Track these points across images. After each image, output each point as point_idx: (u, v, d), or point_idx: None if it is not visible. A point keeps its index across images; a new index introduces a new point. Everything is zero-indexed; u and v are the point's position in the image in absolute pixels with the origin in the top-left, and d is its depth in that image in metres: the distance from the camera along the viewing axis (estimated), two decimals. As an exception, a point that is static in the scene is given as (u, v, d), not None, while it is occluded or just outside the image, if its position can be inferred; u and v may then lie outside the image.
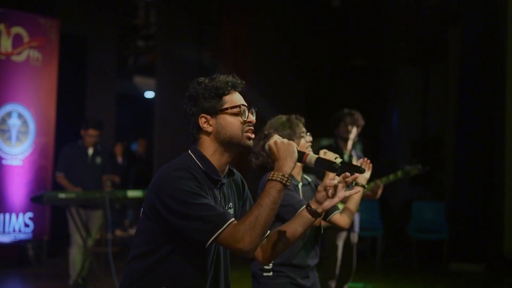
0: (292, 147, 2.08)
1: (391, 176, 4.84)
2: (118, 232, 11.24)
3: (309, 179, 3.33)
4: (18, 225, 7.73)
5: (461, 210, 8.56)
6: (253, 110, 2.19)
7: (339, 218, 3.22)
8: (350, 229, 5.23)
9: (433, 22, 10.76)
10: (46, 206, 7.68)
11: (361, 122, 5.41)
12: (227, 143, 2.13)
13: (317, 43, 11.69)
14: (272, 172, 2.04)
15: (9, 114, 7.77)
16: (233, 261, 2.30)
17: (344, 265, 5.24)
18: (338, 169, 2.19)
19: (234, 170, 2.28)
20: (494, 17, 8.63)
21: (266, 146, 2.13)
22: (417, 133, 11.28)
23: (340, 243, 5.18)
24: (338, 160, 2.96)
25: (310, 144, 3.25)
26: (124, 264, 2.19)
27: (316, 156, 2.20)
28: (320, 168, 2.22)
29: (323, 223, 3.23)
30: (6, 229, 7.59)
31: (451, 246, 8.61)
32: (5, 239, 7.56)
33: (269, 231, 2.24)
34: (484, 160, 8.49)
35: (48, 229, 8.11)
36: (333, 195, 2.16)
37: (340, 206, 3.22)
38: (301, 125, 3.25)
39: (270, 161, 2.14)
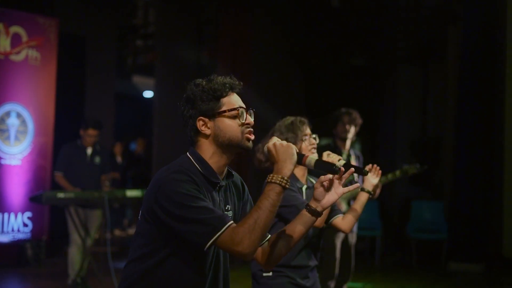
0: (291, 149, 2.06)
1: (390, 176, 4.84)
2: (117, 232, 11.24)
3: (314, 182, 3.32)
4: (16, 225, 7.72)
5: (460, 210, 8.56)
6: (251, 111, 2.17)
7: (340, 222, 3.20)
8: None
9: (432, 22, 10.76)
10: (45, 205, 7.67)
11: (359, 121, 5.40)
12: (226, 146, 2.11)
13: (317, 43, 11.69)
14: (271, 175, 2.02)
15: (7, 114, 7.76)
16: (232, 261, 2.30)
17: (342, 265, 5.24)
18: (338, 171, 2.17)
19: (233, 172, 2.27)
20: (493, 17, 8.63)
21: (265, 149, 2.11)
22: (416, 133, 11.28)
23: (339, 243, 5.17)
24: (342, 162, 2.97)
25: (313, 147, 3.22)
26: (123, 264, 2.18)
27: (316, 158, 2.19)
28: (320, 170, 2.21)
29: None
30: (5, 229, 7.59)
31: (450, 246, 8.61)
32: (4, 238, 7.55)
33: (269, 235, 2.23)
34: (483, 160, 8.49)
35: (47, 228, 8.10)
36: (329, 188, 2.16)
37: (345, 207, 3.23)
38: (304, 128, 3.21)
39: (269, 164, 2.13)
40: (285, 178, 2.01)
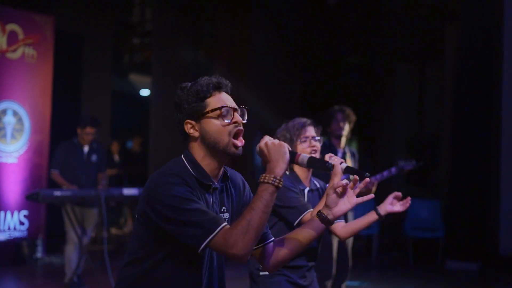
0: (283, 147, 2.02)
1: (385, 173, 4.84)
2: (114, 230, 11.22)
3: (318, 185, 3.29)
4: (13, 223, 7.70)
5: (457, 208, 8.57)
6: (244, 110, 2.13)
7: (340, 229, 3.10)
8: None
9: (430, 20, 10.76)
10: (41, 204, 7.66)
11: (353, 117, 5.37)
12: (213, 148, 2.08)
13: (313, 41, 11.69)
14: (263, 175, 1.99)
15: (4, 112, 7.74)
16: (230, 260, 2.28)
17: (340, 264, 5.23)
18: (331, 168, 2.15)
19: (233, 172, 2.25)
20: (491, 15, 8.63)
21: (257, 148, 2.08)
22: (413, 131, 11.29)
23: (335, 243, 5.15)
24: (344, 165, 2.96)
25: (314, 149, 3.15)
26: (120, 262, 2.18)
27: (309, 155, 2.16)
28: (313, 168, 2.19)
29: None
30: (1, 227, 7.57)
31: (446, 244, 8.62)
32: (0, 237, 7.53)
33: (273, 238, 2.19)
34: (480, 159, 8.49)
35: (43, 227, 8.09)
36: (342, 195, 2.10)
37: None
38: (304, 130, 3.15)
39: (262, 163, 2.09)
40: (278, 177, 1.97)
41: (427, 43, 11.07)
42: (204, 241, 1.91)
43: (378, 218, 3.00)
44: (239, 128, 2.10)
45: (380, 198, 3.14)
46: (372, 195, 2.14)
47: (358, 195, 2.15)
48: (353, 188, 2.11)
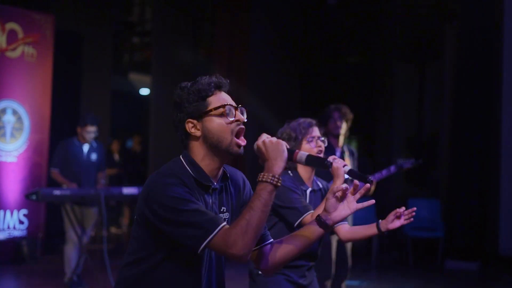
0: (281, 145, 2.01)
1: (384, 172, 4.83)
2: (113, 230, 11.22)
3: (321, 185, 3.27)
4: (12, 222, 7.70)
5: (456, 208, 8.56)
6: (243, 109, 2.12)
7: (344, 231, 3.04)
8: None
9: (429, 20, 10.76)
10: (41, 203, 7.65)
11: (350, 115, 5.33)
12: (215, 147, 2.07)
13: (313, 41, 11.68)
14: (262, 173, 1.98)
15: (3, 111, 7.73)
16: (229, 259, 2.27)
17: (339, 264, 5.21)
18: (330, 166, 2.15)
19: (233, 171, 2.24)
20: (490, 15, 8.63)
21: (255, 146, 2.06)
22: (412, 131, 11.28)
23: (334, 242, 5.13)
24: (347, 168, 2.95)
25: (320, 149, 3.13)
26: (119, 262, 2.17)
27: (307, 153, 2.15)
28: (311, 166, 2.18)
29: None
30: (1, 226, 7.57)
31: (446, 244, 8.62)
32: (0, 236, 7.53)
33: (272, 239, 2.18)
34: (479, 158, 8.49)
35: (43, 226, 8.09)
36: (342, 199, 2.05)
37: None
38: (310, 130, 3.14)
39: (260, 161, 2.07)
40: (276, 176, 1.95)
41: (426, 43, 11.06)
42: (204, 241, 1.90)
43: (378, 233, 2.93)
44: (241, 126, 2.09)
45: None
46: (372, 201, 2.10)
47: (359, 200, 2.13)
48: (353, 193, 2.07)
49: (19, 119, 7.86)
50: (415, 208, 2.87)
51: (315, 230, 2.07)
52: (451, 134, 8.94)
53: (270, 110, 9.52)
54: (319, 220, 2.06)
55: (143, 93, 14.88)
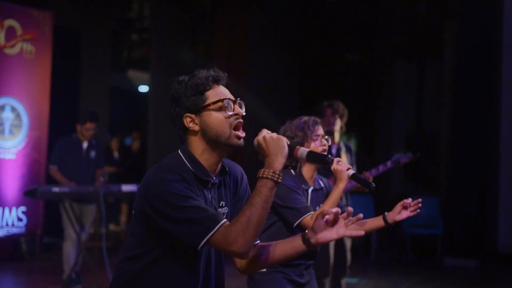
0: (281, 141, 1.98)
1: (381, 168, 4.81)
2: (112, 227, 11.22)
3: (322, 184, 3.26)
4: (11, 219, 7.69)
5: (455, 206, 8.56)
6: (241, 102, 2.10)
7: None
8: None
9: (429, 18, 10.75)
10: (40, 200, 7.64)
11: (343, 111, 5.22)
12: (214, 141, 2.05)
13: (312, 38, 11.67)
14: (262, 169, 1.96)
15: (2, 108, 7.72)
16: (227, 256, 2.27)
17: (338, 262, 5.19)
18: (331, 162, 2.13)
19: (232, 164, 2.22)
20: (490, 13, 8.62)
21: (255, 142, 2.04)
22: (412, 128, 11.28)
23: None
24: (350, 172, 2.94)
25: (324, 148, 3.12)
26: (118, 259, 2.16)
27: (308, 149, 2.13)
28: (311, 162, 2.17)
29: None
30: (-1, 223, 7.56)
31: (445, 242, 8.62)
32: (-2, 233, 7.53)
33: (259, 241, 2.16)
34: (479, 156, 8.49)
35: (42, 223, 8.08)
36: (333, 224, 1.97)
37: None
38: (316, 128, 3.13)
39: (260, 157, 2.06)
40: (277, 172, 1.93)
41: (426, 41, 11.06)
42: (204, 238, 1.89)
43: (385, 225, 2.96)
44: (239, 120, 2.08)
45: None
46: (362, 232, 2.01)
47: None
48: (346, 218, 2.00)
49: (18, 116, 7.85)
50: (420, 200, 2.92)
51: (299, 246, 2.03)
52: (450, 132, 8.94)
53: (270, 108, 9.51)
54: (303, 237, 2.01)
55: (142, 90, 14.87)
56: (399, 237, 9.36)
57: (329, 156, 2.14)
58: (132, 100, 14.92)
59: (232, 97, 2.09)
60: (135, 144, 11.84)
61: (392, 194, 10.66)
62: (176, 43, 11.08)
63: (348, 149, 5.34)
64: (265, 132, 2.03)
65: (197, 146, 2.08)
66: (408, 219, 9.06)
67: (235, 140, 2.06)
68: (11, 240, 7.77)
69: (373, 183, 2.85)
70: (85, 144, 6.60)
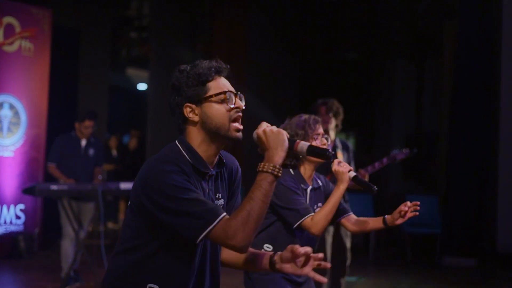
0: (282, 135, 1.97)
1: (377, 164, 4.78)
2: (111, 225, 11.20)
3: (320, 183, 3.24)
4: (9, 217, 7.68)
5: (454, 205, 8.56)
6: (241, 95, 2.09)
7: (350, 223, 3.13)
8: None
9: (428, 17, 10.74)
10: (38, 198, 7.63)
11: (337, 108, 5.09)
12: (214, 133, 2.03)
13: (311, 37, 11.66)
14: (262, 163, 1.93)
15: (0, 105, 7.71)
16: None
17: (337, 260, 5.15)
18: (332, 157, 2.12)
19: (228, 157, 2.20)
20: (489, 13, 8.61)
21: (254, 135, 2.02)
22: (411, 127, 11.28)
23: (329, 237, 5.05)
24: (352, 174, 2.93)
25: (325, 146, 3.09)
26: (113, 252, 2.14)
27: (308, 144, 2.11)
28: (312, 156, 2.16)
29: None
30: (-3, 221, 7.55)
31: (444, 240, 8.61)
32: (-4, 231, 7.51)
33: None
34: (477, 155, 8.49)
35: (40, 221, 8.06)
36: (302, 263, 1.95)
37: None
38: (316, 127, 3.11)
39: (259, 150, 2.04)
40: (277, 166, 1.91)
41: (425, 40, 11.06)
42: (203, 232, 1.87)
43: (384, 227, 3.00)
44: (239, 113, 2.06)
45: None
46: (325, 280, 1.98)
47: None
48: (314, 261, 1.97)
49: (16, 113, 7.83)
50: (418, 202, 2.90)
51: (264, 264, 2.06)
52: (449, 131, 8.93)
53: (269, 107, 9.50)
54: (271, 259, 2.03)
55: (140, 88, 14.85)
56: (398, 236, 9.36)
57: (329, 150, 2.12)
58: (131, 98, 14.91)
59: (233, 90, 2.08)
60: (132, 142, 11.82)
61: (391, 193, 10.66)
62: (175, 42, 11.07)
63: (345, 147, 5.24)
64: (265, 125, 2.02)
65: (196, 137, 2.06)
66: (407, 218, 8.90)
67: (234, 133, 2.05)
68: (9, 238, 7.76)
69: (375, 186, 2.83)
70: (83, 142, 6.59)
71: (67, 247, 6.25)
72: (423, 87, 11.19)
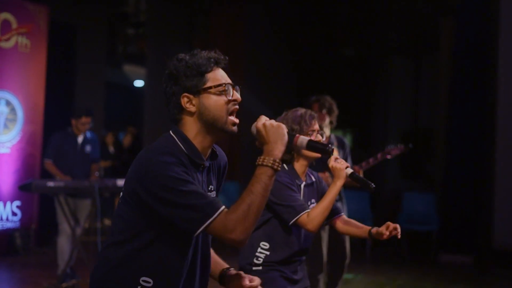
0: (282, 129, 1.96)
1: (371, 160, 4.76)
2: (107, 221, 11.18)
3: (314, 178, 3.22)
4: (5, 214, 7.66)
5: (451, 202, 8.57)
6: (237, 88, 2.08)
7: (340, 223, 3.12)
8: None
9: (425, 13, 10.74)
10: (34, 194, 7.61)
11: (331, 106, 5.06)
12: (210, 125, 2.02)
13: (309, 33, 11.65)
14: (261, 157, 1.93)
15: (-4, 101, 7.68)
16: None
17: (336, 259, 5.10)
18: (331, 152, 2.12)
19: (220, 152, 2.19)
20: (487, 9, 8.61)
21: (253, 128, 2.02)
22: (407, 124, 11.28)
23: (325, 235, 4.99)
24: (349, 170, 2.92)
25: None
26: (103, 245, 2.11)
27: (308, 138, 2.11)
28: (312, 151, 2.15)
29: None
30: (-7, 218, 7.53)
31: (440, 238, 8.63)
32: (-8, 227, 7.50)
33: None
34: (474, 152, 8.50)
35: (36, 217, 8.05)
36: None
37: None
38: (312, 122, 3.07)
39: (258, 144, 2.03)
40: (277, 160, 1.91)
41: (422, 37, 11.05)
42: (202, 225, 1.86)
43: (367, 237, 3.01)
44: (236, 106, 2.06)
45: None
46: None
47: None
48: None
49: (13, 110, 7.81)
50: (399, 230, 2.93)
51: (215, 275, 2.21)
52: (446, 128, 8.94)
53: (266, 103, 9.49)
54: (222, 274, 2.19)
55: (137, 85, 14.83)
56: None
57: (329, 145, 2.12)
58: (128, 95, 14.89)
59: (231, 82, 2.07)
60: (126, 139, 11.77)
61: (388, 190, 10.67)
62: (172, 38, 11.04)
63: (341, 144, 5.18)
64: (264, 119, 2.01)
65: (191, 128, 2.04)
66: (404, 215, 9.08)
67: (230, 127, 2.04)
68: (6, 234, 7.74)
69: (372, 183, 2.82)
70: (80, 138, 6.58)
71: (64, 244, 6.23)
72: (419, 84, 11.19)
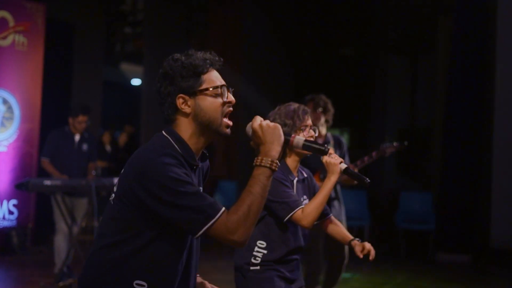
0: (278, 130, 1.97)
1: (366, 158, 4.75)
2: (104, 220, 11.16)
3: (305, 174, 3.21)
4: (2, 212, 7.64)
5: (448, 201, 8.57)
6: (231, 89, 2.07)
7: (327, 223, 3.13)
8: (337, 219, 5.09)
9: (423, 12, 10.74)
10: (31, 193, 7.59)
11: (326, 105, 5.01)
12: (205, 127, 2.01)
13: (306, 32, 11.65)
14: (259, 157, 1.93)
15: (-7, 100, 7.66)
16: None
17: (335, 258, 5.07)
18: (327, 152, 2.12)
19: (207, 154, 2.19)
20: (484, 8, 8.61)
21: (249, 129, 2.02)
22: (405, 123, 11.29)
23: (322, 233, 4.99)
24: (343, 166, 2.91)
25: (312, 138, 3.07)
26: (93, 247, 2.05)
27: (303, 139, 2.11)
28: (308, 151, 2.15)
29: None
30: (-10, 216, 7.51)
31: (438, 237, 8.63)
32: (-11, 226, 7.48)
33: None
34: (471, 151, 8.50)
35: (33, 216, 8.03)
36: None
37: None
38: (305, 118, 3.06)
39: (253, 145, 2.03)
40: (275, 160, 1.92)
41: (420, 36, 11.05)
42: (204, 227, 1.85)
43: (347, 245, 3.10)
44: (230, 108, 2.06)
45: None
46: None
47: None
48: None
49: (10, 108, 7.79)
50: (373, 254, 3.01)
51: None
52: (443, 127, 8.94)
53: (264, 101, 9.48)
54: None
55: (134, 84, 14.81)
56: (392, 232, 9.37)
57: (326, 145, 2.11)
58: (125, 94, 14.87)
59: (225, 84, 2.07)
60: (122, 137, 11.74)
61: (385, 189, 10.67)
62: (169, 37, 11.03)
63: (338, 143, 5.15)
64: (259, 119, 2.01)
65: (186, 129, 2.03)
66: (401, 214, 9.03)
67: (224, 129, 2.05)
68: (2, 233, 7.73)
69: (367, 178, 2.81)
70: (77, 137, 6.57)
71: (60, 242, 6.23)
72: (417, 83, 11.20)
